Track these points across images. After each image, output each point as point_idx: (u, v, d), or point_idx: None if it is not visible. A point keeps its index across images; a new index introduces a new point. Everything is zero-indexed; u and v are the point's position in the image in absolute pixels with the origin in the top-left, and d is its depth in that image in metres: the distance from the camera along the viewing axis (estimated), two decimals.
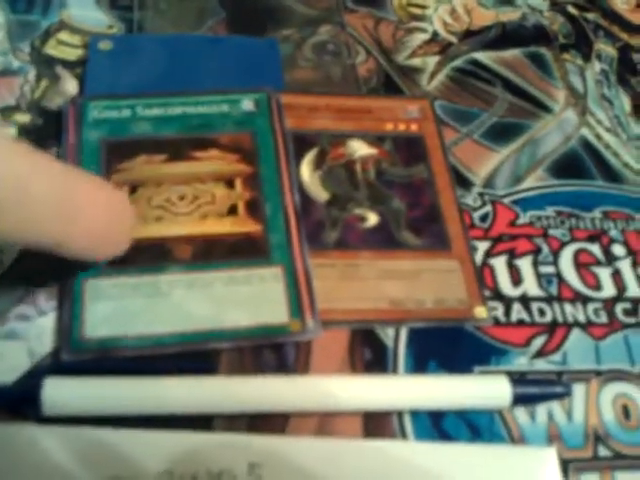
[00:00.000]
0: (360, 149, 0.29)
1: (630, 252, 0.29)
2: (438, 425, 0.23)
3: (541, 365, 0.25)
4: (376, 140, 0.29)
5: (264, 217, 0.26)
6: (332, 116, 0.30)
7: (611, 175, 0.31)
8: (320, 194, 0.28)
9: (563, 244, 0.28)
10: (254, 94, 0.29)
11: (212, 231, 0.25)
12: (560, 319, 0.26)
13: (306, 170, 0.28)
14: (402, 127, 0.30)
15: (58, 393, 0.21)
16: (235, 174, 0.27)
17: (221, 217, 0.26)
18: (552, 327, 0.26)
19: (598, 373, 0.25)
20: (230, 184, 0.27)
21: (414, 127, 0.30)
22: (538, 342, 0.25)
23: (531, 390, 0.23)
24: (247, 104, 0.29)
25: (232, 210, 0.26)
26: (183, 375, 0.22)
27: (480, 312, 0.25)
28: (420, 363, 0.24)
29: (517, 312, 0.26)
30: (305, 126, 0.29)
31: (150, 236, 0.25)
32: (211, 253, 0.25)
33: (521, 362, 0.25)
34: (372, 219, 0.27)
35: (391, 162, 0.29)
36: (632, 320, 0.27)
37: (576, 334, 0.26)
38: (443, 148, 0.30)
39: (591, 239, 0.29)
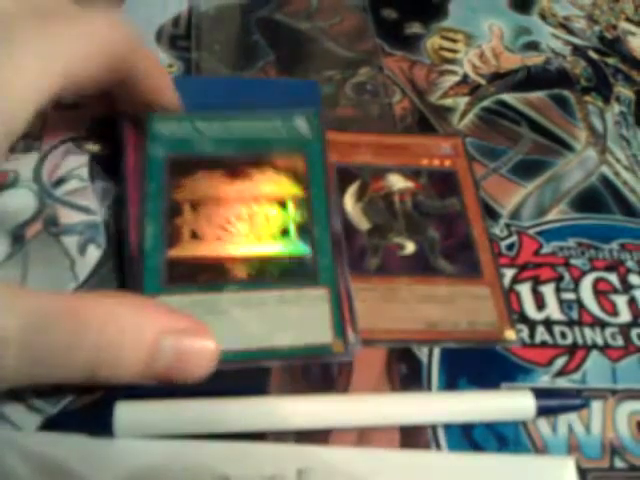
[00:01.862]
0: (398, 182, 0.32)
1: None
2: (469, 436, 0.25)
3: (562, 383, 0.27)
4: (413, 174, 0.32)
5: (313, 240, 0.28)
6: (372, 152, 0.33)
7: (628, 210, 0.34)
8: (362, 223, 0.30)
9: (583, 273, 0.31)
10: (306, 111, 0.31)
11: (266, 252, 0.28)
12: (580, 342, 0.28)
13: (349, 201, 0.31)
14: (436, 162, 0.33)
15: (129, 416, 0.23)
16: (288, 196, 0.29)
17: (274, 238, 0.28)
18: (573, 349, 0.28)
19: (614, 392, 0.27)
20: (283, 205, 0.29)
21: (447, 163, 0.33)
22: (560, 362, 0.28)
23: (552, 402, 0.25)
24: (300, 122, 0.31)
25: (284, 232, 0.28)
26: (238, 394, 0.24)
27: (509, 334, 0.28)
28: (452, 379, 0.27)
29: (541, 334, 0.28)
30: (347, 161, 0.32)
31: (211, 255, 0.27)
32: (265, 273, 0.27)
33: (544, 380, 0.27)
34: (410, 247, 0.30)
35: (427, 195, 0.31)
36: None
37: (594, 356, 0.28)
38: (474, 182, 0.32)
39: (609, 269, 0.31)
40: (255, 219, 0.28)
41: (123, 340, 0.21)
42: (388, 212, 0.31)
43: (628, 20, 0.44)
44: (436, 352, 0.27)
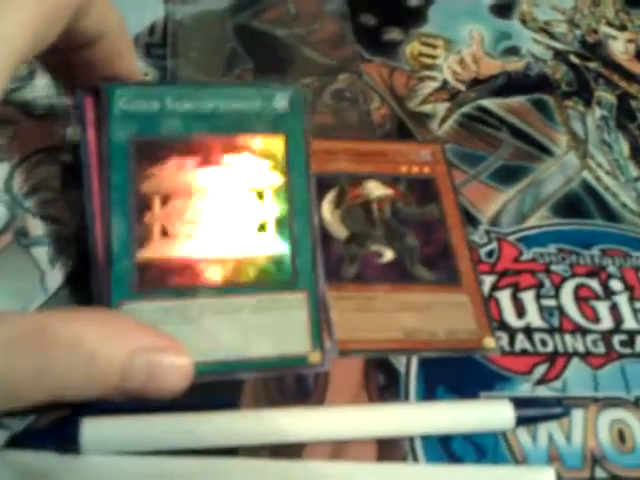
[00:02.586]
0: (376, 190, 0.31)
1: (627, 287, 0.31)
2: (447, 447, 0.25)
3: (543, 391, 0.27)
4: (391, 181, 0.32)
5: (293, 236, 0.26)
6: (350, 159, 0.32)
7: (610, 215, 0.33)
8: (340, 232, 0.30)
9: (564, 279, 0.30)
10: (289, 90, 0.27)
11: (242, 251, 0.26)
12: (561, 349, 0.28)
13: (327, 209, 0.30)
14: (415, 169, 0.32)
15: (96, 432, 0.22)
16: (265, 185, 0.26)
17: (251, 235, 0.26)
18: (553, 356, 0.28)
19: (596, 400, 0.27)
20: (260, 196, 0.26)
21: (426, 169, 0.32)
22: (540, 370, 0.27)
23: (532, 412, 0.25)
24: (281, 101, 0.27)
25: (261, 227, 0.26)
26: (209, 408, 0.23)
27: (489, 342, 0.27)
28: (430, 389, 0.26)
29: (521, 342, 0.28)
30: (325, 168, 0.32)
31: (182, 256, 0.25)
32: (240, 275, 0.25)
33: (524, 388, 0.27)
34: (388, 255, 0.29)
35: (405, 202, 0.31)
36: (628, 351, 0.28)
37: (575, 363, 0.28)
38: (453, 189, 0.32)
39: (590, 275, 0.31)
40: (230, 213, 0.26)
41: (93, 363, 0.20)
42: (366, 220, 0.30)
43: (609, 24, 0.43)
44: (414, 361, 0.27)
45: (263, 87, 0.27)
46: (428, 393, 0.26)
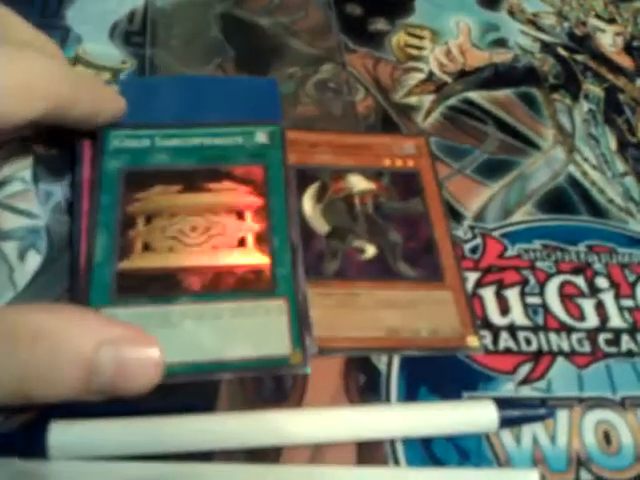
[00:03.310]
0: (359, 184, 0.31)
1: (613, 285, 0.30)
2: (429, 450, 0.24)
3: (527, 392, 0.26)
4: (374, 175, 0.31)
5: (272, 250, 0.27)
6: (332, 152, 0.31)
7: (596, 210, 0.33)
8: (321, 226, 0.29)
9: (549, 276, 0.30)
10: (268, 127, 0.30)
11: (222, 262, 0.26)
12: (545, 348, 0.28)
13: (308, 203, 0.30)
14: (399, 163, 0.32)
15: (64, 437, 0.21)
16: (246, 206, 0.28)
17: (231, 249, 0.27)
18: (537, 355, 0.27)
19: (581, 400, 0.26)
20: (241, 216, 0.28)
21: (410, 163, 0.32)
22: (524, 369, 0.27)
23: (516, 413, 0.24)
24: (261, 136, 0.30)
25: (241, 242, 0.27)
26: (183, 411, 0.23)
27: (472, 341, 0.27)
28: (412, 389, 0.26)
29: (505, 340, 0.27)
30: (307, 161, 0.31)
31: (162, 266, 0.26)
32: (220, 284, 0.26)
33: (508, 388, 0.26)
34: (370, 251, 0.29)
35: (388, 196, 0.30)
36: (614, 350, 0.28)
37: (560, 362, 0.27)
38: (438, 183, 0.31)
39: (576, 272, 0.30)
40: (211, 230, 0.27)
41: (57, 357, 0.19)
42: (348, 214, 0.30)
43: (598, 17, 0.43)
44: (395, 361, 0.26)
45: (245, 125, 0.30)
46: (410, 393, 0.25)
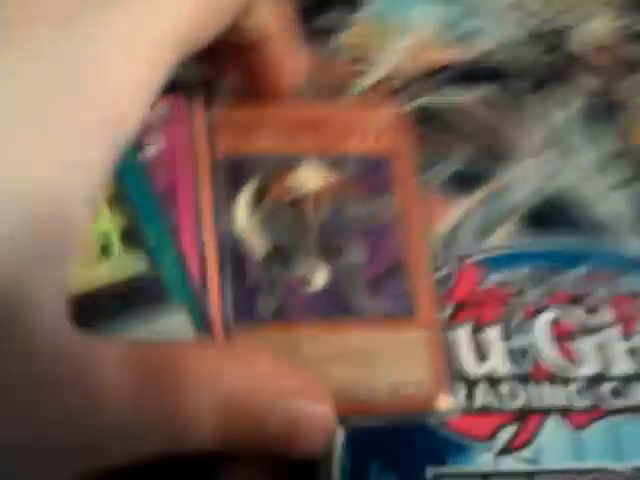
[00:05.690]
0: (311, 181, 0.24)
1: (619, 319, 0.25)
2: None
3: (509, 464, 0.21)
4: (333, 164, 0.25)
5: (148, 247, 0.21)
6: (278, 134, 0.25)
7: (591, 228, 0.28)
8: (258, 245, 0.23)
9: (537, 311, 0.25)
10: None
11: (87, 283, 0.20)
12: (534, 404, 0.22)
13: (242, 212, 0.24)
14: (367, 146, 0.26)
15: None
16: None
17: (93, 262, 0.21)
18: (523, 414, 0.22)
19: (580, 473, 0.21)
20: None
21: (382, 144, 0.26)
22: (506, 434, 0.22)
23: None
24: None
25: (105, 249, 0.21)
26: None
27: (444, 402, 0.22)
28: (360, 466, 0.20)
29: (482, 395, 0.22)
30: (243, 149, 0.25)
31: None
32: (94, 310, 0.20)
33: (484, 460, 0.21)
34: (319, 280, 0.23)
35: (350, 195, 0.25)
36: (621, 403, 0.23)
37: (553, 422, 0.22)
38: (415, 173, 0.26)
39: (571, 304, 0.25)
40: None
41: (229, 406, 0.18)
42: (295, 226, 0.24)
43: (581, 13, 0.38)
44: (338, 433, 0.21)
45: None
46: (357, 474, 0.20)
